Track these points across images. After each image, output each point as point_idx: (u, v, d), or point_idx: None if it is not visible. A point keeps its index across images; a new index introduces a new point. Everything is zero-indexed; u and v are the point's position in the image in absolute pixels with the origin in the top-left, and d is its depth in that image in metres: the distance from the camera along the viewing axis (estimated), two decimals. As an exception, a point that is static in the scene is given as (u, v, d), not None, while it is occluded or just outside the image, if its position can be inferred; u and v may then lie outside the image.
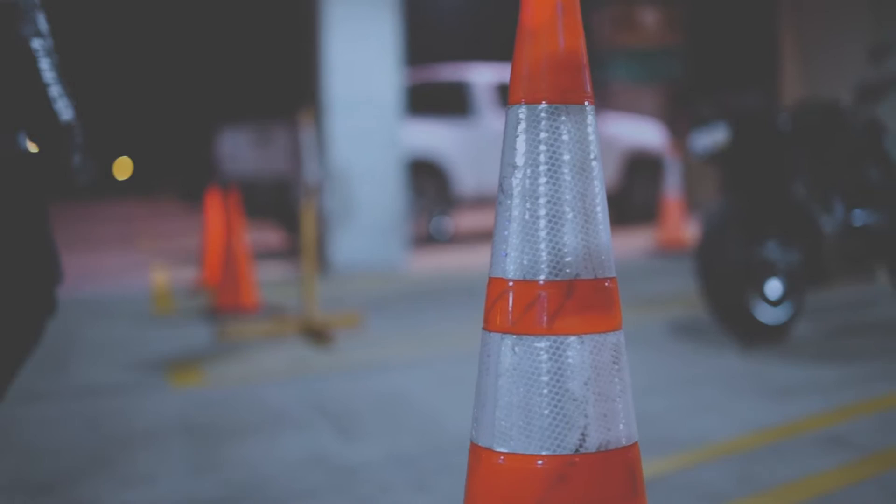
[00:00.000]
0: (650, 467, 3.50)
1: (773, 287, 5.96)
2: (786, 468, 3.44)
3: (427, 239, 12.74)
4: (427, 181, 11.88)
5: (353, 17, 10.03)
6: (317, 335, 6.17)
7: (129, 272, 11.00)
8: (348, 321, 6.59)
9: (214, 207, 8.86)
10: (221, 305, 7.18)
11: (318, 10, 9.99)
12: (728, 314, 5.75)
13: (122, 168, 61.58)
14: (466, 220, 17.22)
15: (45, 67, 2.73)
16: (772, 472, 3.41)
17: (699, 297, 5.98)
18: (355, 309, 6.83)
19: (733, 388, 4.69)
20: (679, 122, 15.72)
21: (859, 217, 6.45)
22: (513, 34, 1.67)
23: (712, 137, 5.93)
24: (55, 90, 2.73)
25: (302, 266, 6.43)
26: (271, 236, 14.25)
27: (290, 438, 4.04)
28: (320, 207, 6.37)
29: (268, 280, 9.45)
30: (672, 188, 11.42)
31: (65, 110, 2.74)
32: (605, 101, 17.85)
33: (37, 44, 2.72)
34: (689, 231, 11.95)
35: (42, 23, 2.75)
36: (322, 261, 10.11)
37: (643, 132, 14.70)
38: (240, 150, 12.26)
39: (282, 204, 10.81)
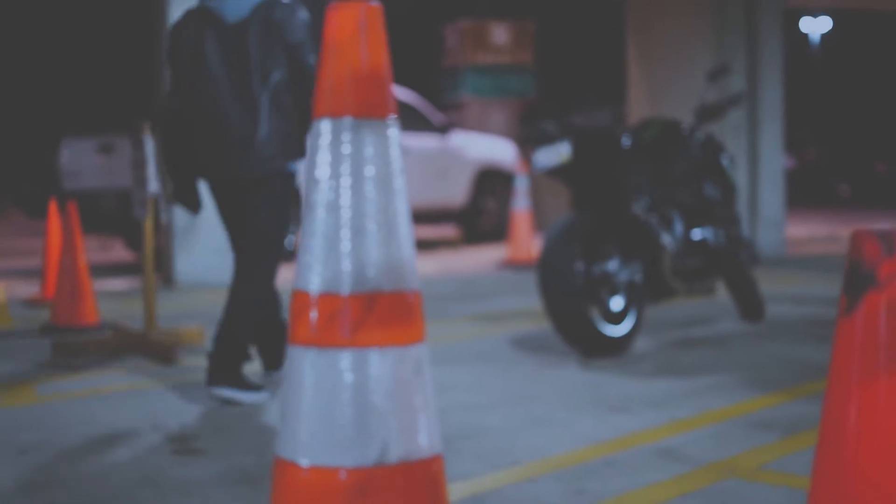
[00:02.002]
0: (485, 481, 3.52)
1: (614, 301, 6.06)
2: (618, 481, 3.50)
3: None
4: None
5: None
6: (157, 351, 6.05)
7: (-33, 287, 10.65)
8: (191, 337, 6.49)
9: (56, 221, 8.64)
10: (59, 321, 6.99)
11: (166, 17, 9.84)
12: (569, 328, 5.82)
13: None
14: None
15: None
16: (604, 484, 3.46)
17: (543, 311, 6.04)
18: (199, 325, 6.72)
19: (572, 402, 4.75)
20: (528, 138, 15.90)
21: (698, 233, 6.61)
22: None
23: (556, 154, 6.00)
24: None
25: (143, 281, 6.30)
26: (121, 251, 13.97)
27: (123, 457, 3.96)
28: (161, 221, 6.24)
29: (113, 295, 9.26)
30: (521, 204, 11.54)
31: None
32: (456, 117, 17.96)
33: None
34: (537, 246, 12.09)
35: None
36: (168, 276, 9.94)
37: (494, 148, 14.83)
38: (82, 163, 11.99)
39: (125, 218, 10.60)
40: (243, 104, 4.85)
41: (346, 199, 1.58)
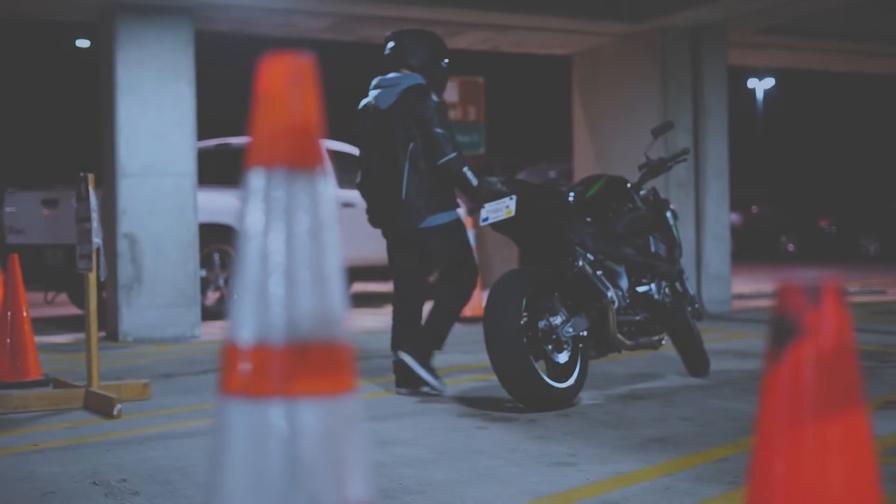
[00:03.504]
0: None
1: (560, 356, 6.07)
2: (558, 534, 3.48)
3: (224, 307, 12.55)
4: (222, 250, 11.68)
5: (148, 84, 9.90)
6: (99, 406, 5.98)
7: None
8: (134, 392, 6.42)
9: (-1, 275, 8.54)
10: (0, 376, 6.89)
11: (114, 76, 9.83)
12: (515, 383, 5.82)
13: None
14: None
15: None
16: (544, 538, 3.44)
17: (489, 365, 6.04)
18: (143, 380, 6.65)
19: (517, 457, 4.73)
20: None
21: (643, 288, 6.64)
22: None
23: (502, 209, 6.03)
24: None
25: (87, 335, 6.23)
26: (68, 305, 13.81)
27: (60, 514, 3.89)
28: (102, 276, 6.20)
29: (57, 349, 9.16)
30: (469, 259, 11.53)
31: None
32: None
33: None
34: (483, 300, 12.08)
35: None
36: (113, 331, 9.85)
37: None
38: (26, 217, 11.89)
39: (69, 272, 10.50)
40: (393, 173, 6.39)
41: (277, 250, 1.58)
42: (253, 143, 1.61)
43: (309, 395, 1.55)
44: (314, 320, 1.56)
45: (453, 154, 6.32)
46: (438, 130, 6.31)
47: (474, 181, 6.30)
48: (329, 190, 1.61)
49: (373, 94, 6.58)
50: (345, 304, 1.61)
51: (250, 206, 1.59)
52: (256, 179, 1.60)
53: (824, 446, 1.44)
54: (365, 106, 6.63)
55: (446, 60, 6.65)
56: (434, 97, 6.43)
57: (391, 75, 6.55)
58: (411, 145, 6.34)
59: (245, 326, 1.57)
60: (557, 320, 6.08)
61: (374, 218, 6.65)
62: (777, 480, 1.44)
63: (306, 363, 1.54)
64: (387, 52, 6.64)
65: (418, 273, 6.67)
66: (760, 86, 43.73)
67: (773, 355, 1.45)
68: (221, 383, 1.59)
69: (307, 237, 1.58)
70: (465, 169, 6.33)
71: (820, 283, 1.43)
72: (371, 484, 1.62)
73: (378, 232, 6.75)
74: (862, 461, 1.46)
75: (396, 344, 6.50)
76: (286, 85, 1.59)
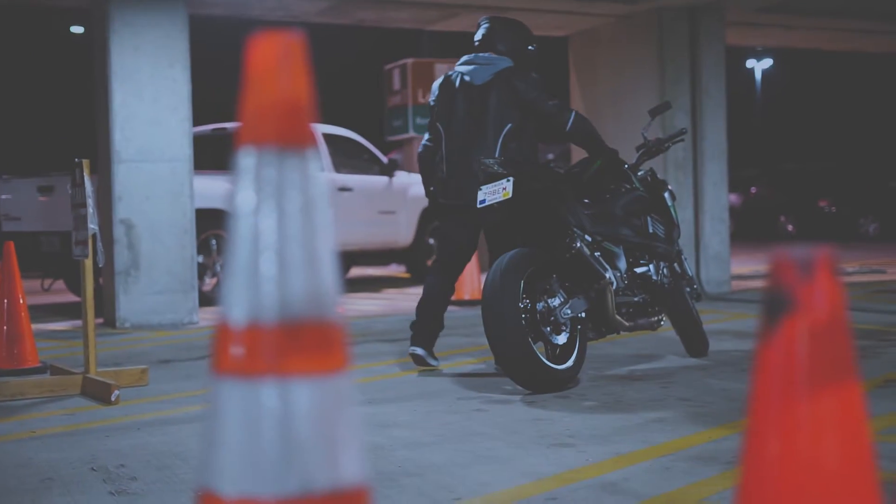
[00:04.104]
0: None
1: (558, 337, 6.06)
2: (556, 514, 3.48)
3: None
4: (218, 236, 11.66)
5: (143, 69, 9.87)
6: (97, 393, 5.98)
7: None
8: (132, 378, 6.41)
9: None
10: (-2, 363, 6.88)
11: (108, 62, 9.80)
12: (513, 365, 5.81)
13: None
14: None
15: None
16: (542, 518, 3.44)
17: (488, 348, 6.04)
18: (140, 366, 6.65)
19: (516, 439, 4.73)
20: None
21: (641, 269, 6.63)
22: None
23: (499, 191, 6.01)
24: None
25: (84, 322, 6.22)
26: (65, 292, 13.80)
27: (60, 500, 3.89)
28: (100, 262, 6.18)
29: (55, 336, 9.15)
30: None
31: None
32: (401, 155, 17.97)
33: None
34: (482, 283, 12.06)
35: None
36: (111, 317, 9.84)
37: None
38: (22, 204, 11.87)
39: (66, 259, 10.49)
40: (481, 148, 6.53)
41: (268, 229, 1.57)
42: (243, 121, 1.60)
43: (301, 375, 1.54)
44: (306, 299, 1.55)
45: (573, 114, 6.59)
46: (550, 104, 6.55)
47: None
48: (320, 169, 1.60)
49: (464, 68, 6.74)
50: (337, 282, 1.60)
51: (241, 185, 1.58)
52: (247, 158, 1.59)
53: (818, 421, 1.43)
54: (452, 79, 6.78)
55: (532, 46, 6.86)
56: (535, 75, 6.67)
57: (485, 54, 6.75)
58: (508, 126, 6.52)
59: (237, 306, 1.56)
60: (556, 302, 6.07)
61: (447, 191, 6.72)
62: (770, 456, 1.43)
63: (299, 342, 1.53)
64: (479, 34, 6.87)
65: (472, 249, 6.87)
66: (759, 66, 43.67)
67: (766, 330, 1.44)
68: (214, 363, 1.59)
69: (299, 215, 1.57)
70: (591, 124, 6.70)
71: (812, 257, 1.41)
72: (365, 463, 1.62)
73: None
74: (856, 436, 1.45)
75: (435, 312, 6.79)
76: (276, 63, 1.58)
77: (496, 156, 6.42)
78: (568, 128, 6.54)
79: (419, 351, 6.71)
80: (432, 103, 6.88)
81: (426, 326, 6.76)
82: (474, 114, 6.62)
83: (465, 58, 6.83)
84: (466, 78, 6.69)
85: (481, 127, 6.58)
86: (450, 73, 6.86)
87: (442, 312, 6.82)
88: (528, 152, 6.61)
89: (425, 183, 6.94)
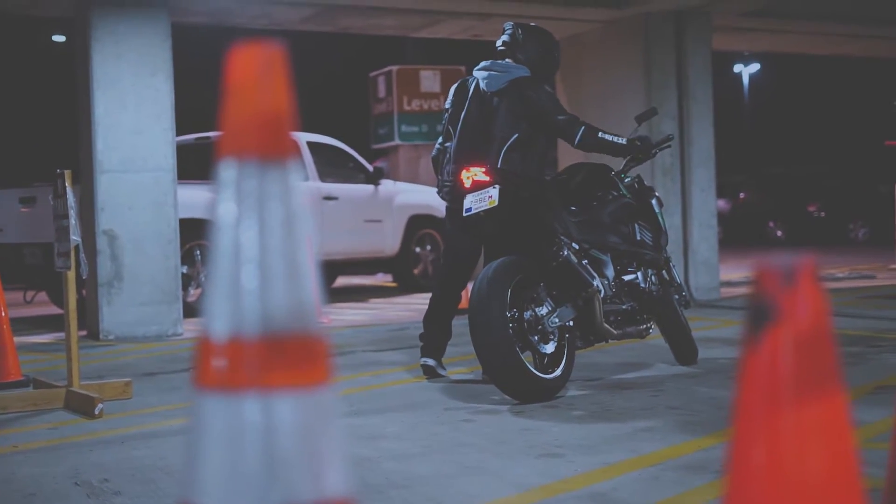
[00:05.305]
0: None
1: (546, 346, 6.04)
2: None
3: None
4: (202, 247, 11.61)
5: (125, 78, 9.82)
6: (80, 406, 5.94)
7: None
8: (116, 391, 6.37)
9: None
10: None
11: (90, 70, 9.75)
12: (501, 374, 5.79)
13: None
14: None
15: None
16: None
17: (476, 357, 6.02)
18: (124, 378, 6.61)
19: (504, 449, 4.71)
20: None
21: (629, 276, 6.61)
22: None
23: (485, 199, 6.00)
24: None
25: (67, 334, 6.18)
26: (48, 304, 13.74)
27: (42, 513, 3.85)
28: (84, 273, 6.14)
29: (38, 349, 9.11)
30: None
31: None
32: (387, 163, 17.94)
33: None
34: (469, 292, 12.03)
35: None
36: (94, 329, 9.79)
37: (425, 195, 14.75)
38: (4, 215, 11.81)
39: (49, 270, 10.44)
40: (484, 155, 6.51)
41: (249, 242, 1.55)
42: (224, 134, 1.59)
43: (284, 388, 1.53)
44: (288, 312, 1.54)
45: (582, 129, 6.52)
46: (560, 118, 6.54)
47: (617, 139, 6.62)
48: (304, 178, 1.59)
49: (480, 74, 6.78)
50: (319, 295, 1.59)
51: (222, 198, 1.57)
52: (228, 170, 1.58)
53: (802, 430, 1.42)
54: (468, 84, 6.88)
55: (554, 56, 6.91)
56: (547, 87, 6.75)
57: (503, 61, 6.80)
58: (514, 136, 6.52)
59: (219, 319, 1.55)
60: (543, 311, 6.05)
61: (451, 194, 6.69)
62: (755, 465, 1.42)
63: (281, 356, 1.52)
64: (501, 39, 6.89)
65: (475, 256, 6.94)
66: (746, 71, 43.74)
67: (750, 339, 1.42)
68: (196, 377, 1.57)
69: (280, 228, 1.56)
70: (601, 134, 6.57)
71: (795, 265, 1.40)
72: (349, 477, 1.60)
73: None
74: (841, 444, 1.44)
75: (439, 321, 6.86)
76: (256, 75, 1.58)
77: (497, 165, 6.39)
78: (576, 142, 6.52)
79: (430, 362, 6.80)
80: (448, 106, 6.97)
81: (434, 337, 6.83)
82: (483, 120, 6.67)
83: (483, 63, 6.85)
84: (482, 84, 6.73)
85: (488, 134, 6.62)
86: (467, 77, 6.94)
87: (448, 321, 6.87)
88: (531, 164, 6.55)
89: (437, 185, 7.02)
